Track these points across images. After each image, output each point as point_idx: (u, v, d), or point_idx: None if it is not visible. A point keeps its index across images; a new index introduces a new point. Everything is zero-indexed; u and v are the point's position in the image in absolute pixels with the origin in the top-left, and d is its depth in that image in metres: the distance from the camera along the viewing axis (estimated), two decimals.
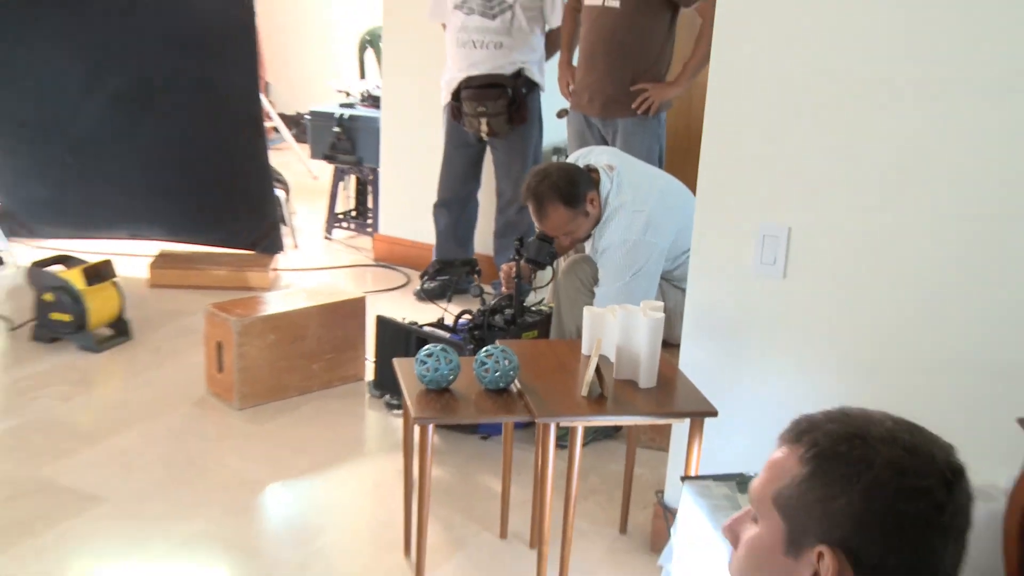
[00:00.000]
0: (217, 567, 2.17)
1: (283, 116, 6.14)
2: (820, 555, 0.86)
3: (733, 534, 0.98)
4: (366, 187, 4.77)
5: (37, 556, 2.13)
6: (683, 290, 2.26)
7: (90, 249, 3.88)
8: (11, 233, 4.08)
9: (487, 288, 3.73)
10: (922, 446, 0.88)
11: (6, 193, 4.04)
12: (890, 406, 0.97)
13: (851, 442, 0.87)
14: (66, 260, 3.36)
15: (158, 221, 4.04)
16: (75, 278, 3.24)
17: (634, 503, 2.36)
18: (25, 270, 3.48)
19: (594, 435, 2.76)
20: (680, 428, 2.13)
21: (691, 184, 2.20)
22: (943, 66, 1.74)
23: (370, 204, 4.75)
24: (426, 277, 3.87)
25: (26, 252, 3.99)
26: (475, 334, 2.78)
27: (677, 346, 2.20)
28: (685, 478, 1.78)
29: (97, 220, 4.06)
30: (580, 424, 1.92)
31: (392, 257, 4.39)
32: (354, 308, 3.12)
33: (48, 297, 3.26)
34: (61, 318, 3.26)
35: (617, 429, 2.78)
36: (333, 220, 4.82)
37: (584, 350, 2.13)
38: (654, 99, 3.33)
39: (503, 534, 2.31)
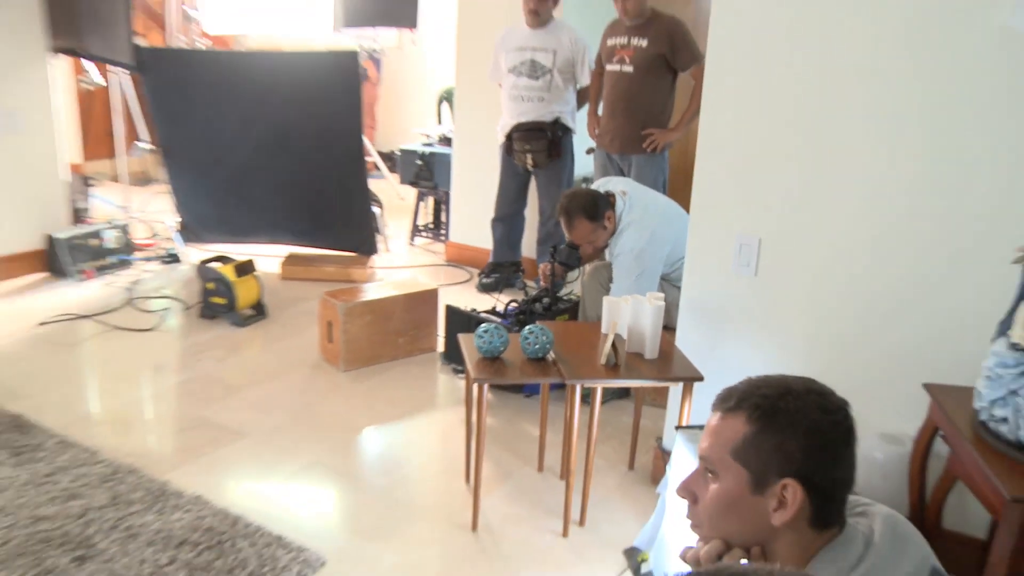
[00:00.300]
0: (327, 487, 2.22)
1: (380, 152, 6.20)
2: (784, 486, 0.86)
3: (690, 493, 0.93)
4: (440, 206, 4.80)
5: (202, 473, 2.20)
6: (679, 288, 2.24)
7: (239, 251, 3.97)
8: (186, 240, 4.20)
9: (530, 283, 3.74)
10: (824, 390, 0.89)
11: (184, 210, 4.16)
12: (830, 374, 0.96)
13: (785, 399, 0.87)
14: (223, 259, 3.44)
15: (288, 230, 4.12)
16: (228, 272, 3.33)
17: (640, 447, 2.35)
18: (195, 266, 3.59)
19: (610, 395, 2.75)
20: (676, 390, 2.12)
21: (686, 205, 2.18)
22: (889, 104, 1.70)
23: (443, 218, 4.78)
24: (483, 274, 3.90)
25: (196, 253, 4.11)
26: (520, 317, 2.79)
27: (674, 329, 2.18)
28: (679, 428, 1.77)
29: (245, 229, 4.15)
30: (599, 386, 1.92)
31: (459, 259, 4.41)
32: (430, 297, 3.14)
33: (210, 286, 3.36)
34: (218, 301, 3.35)
35: (627, 391, 2.77)
36: (415, 230, 4.86)
37: (603, 330, 2.12)
38: (659, 141, 3.30)
39: (540, 468, 2.31)
